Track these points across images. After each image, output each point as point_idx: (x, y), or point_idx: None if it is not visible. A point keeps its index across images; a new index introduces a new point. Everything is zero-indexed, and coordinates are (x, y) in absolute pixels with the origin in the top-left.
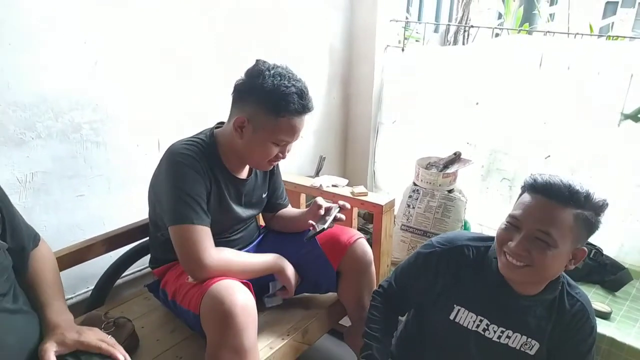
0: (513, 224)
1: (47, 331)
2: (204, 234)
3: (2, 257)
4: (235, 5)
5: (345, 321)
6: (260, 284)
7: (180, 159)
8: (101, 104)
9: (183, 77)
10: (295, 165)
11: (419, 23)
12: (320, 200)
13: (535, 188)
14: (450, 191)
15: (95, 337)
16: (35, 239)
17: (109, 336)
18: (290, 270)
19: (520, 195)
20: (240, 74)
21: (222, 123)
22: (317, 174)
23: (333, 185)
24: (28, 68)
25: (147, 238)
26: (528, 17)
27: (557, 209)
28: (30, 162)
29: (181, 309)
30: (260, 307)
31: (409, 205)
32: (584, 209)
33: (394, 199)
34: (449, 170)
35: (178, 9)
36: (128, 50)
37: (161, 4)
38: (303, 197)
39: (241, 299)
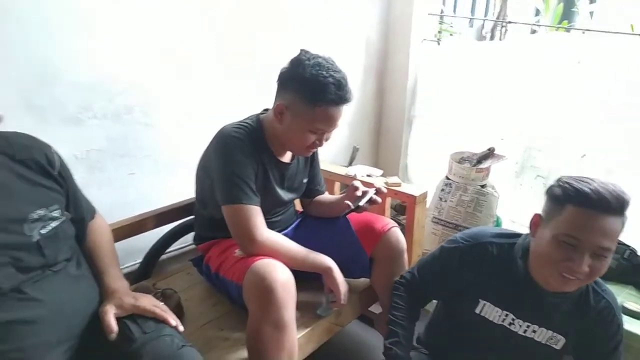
0: (571, 243)
1: (106, 296)
2: (255, 212)
3: (67, 226)
4: None
5: (375, 308)
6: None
7: (231, 141)
8: (151, 87)
9: (230, 64)
10: (329, 154)
11: (459, 17)
12: (357, 182)
13: (587, 203)
14: (483, 186)
15: (150, 302)
16: (92, 211)
17: (162, 303)
18: (338, 272)
19: (559, 202)
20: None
21: (267, 109)
22: (350, 164)
23: (367, 175)
24: (85, 51)
25: (191, 217)
26: (567, 15)
27: (613, 222)
28: (86, 140)
29: (225, 280)
30: (299, 286)
31: (441, 199)
32: (625, 213)
33: (427, 191)
34: (482, 165)
35: None
36: (178, 36)
37: None
38: (337, 185)
39: (282, 277)
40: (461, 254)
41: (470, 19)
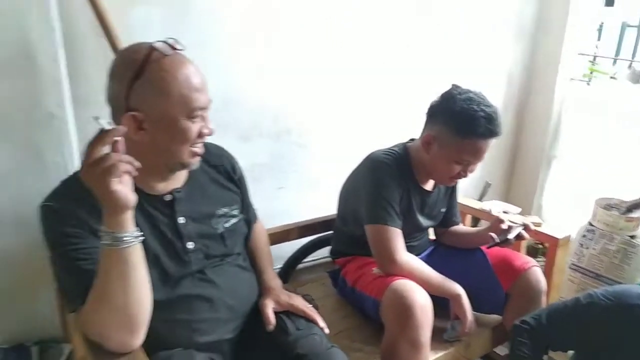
0: None
1: (264, 291)
2: (397, 234)
3: (242, 224)
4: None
5: (500, 349)
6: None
7: (380, 166)
8: (307, 112)
9: (384, 92)
10: (459, 187)
11: (613, 59)
12: (502, 216)
13: None
14: (632, 237)
15: (302, 303)
16: (255, 215)
17: (310, 305)
18: (466, 299)
19: None
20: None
21: (413, 139)
22: (480, 198)
23: (504, 212)
24: (256, 79)
25: (330, 232)
26: None
27: None
28: (253, 155)
29: (362, 295)
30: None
31: (581, 245)
32: None
33: (570, 235)
34: (633, 215)
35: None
36: (331, 66)
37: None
38: (469, 218)
39: (420, 298)
40: (601, 312)
41: (628, 61)
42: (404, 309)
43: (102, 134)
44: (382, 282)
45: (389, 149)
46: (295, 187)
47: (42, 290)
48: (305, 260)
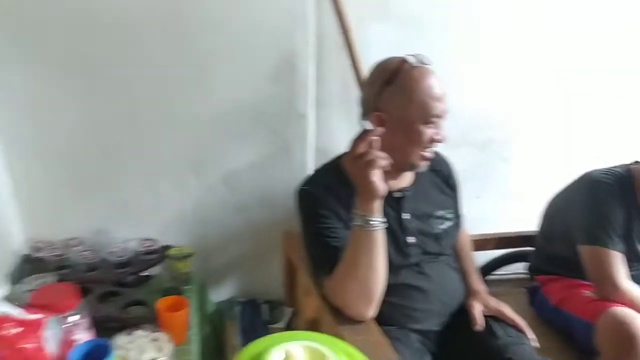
0: None
1: (471, 293)
2: (618, 258)
3: (454, 227)
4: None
5: None
6: None
7: (600, 186)
8: (512, 125)
9: (599, 112)
10: None
11: None
12: None
13: None
14: None
15: (511, 311)
16: (462, 221)
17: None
18: None
19: None
20: None
21: (638, 162)
22: None
23: None
24: (467, 92)
25: (527, 247)
26: None
27: None
28: (458, 161)
29: (568, 316)
30: None
31: None
32: None
33: None
34: None
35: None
36: (544, 81)
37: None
38: None
39: None
40: None
41: None
42: (627, 338)
43: (365, 133)
44: (597, 306)
45: (609, 168)
46: (493, 197)
47: (273, 260)
48: (495, 272)
